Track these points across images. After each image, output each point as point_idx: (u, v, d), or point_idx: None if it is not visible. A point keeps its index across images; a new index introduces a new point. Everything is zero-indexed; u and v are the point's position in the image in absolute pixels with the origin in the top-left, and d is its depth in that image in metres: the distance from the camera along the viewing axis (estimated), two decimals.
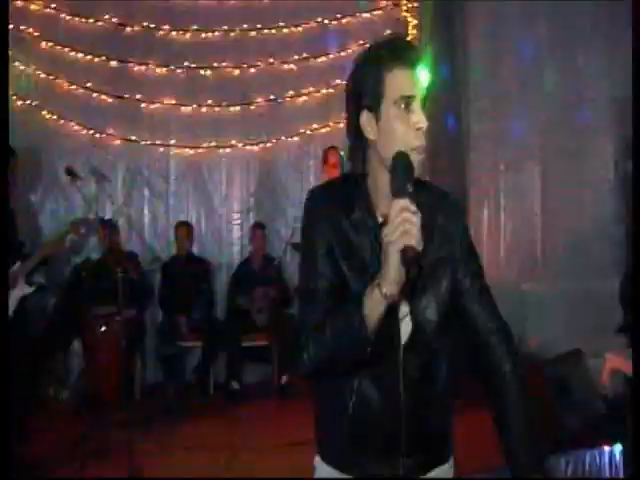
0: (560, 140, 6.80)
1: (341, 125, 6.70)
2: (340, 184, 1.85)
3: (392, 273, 1.52)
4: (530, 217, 6.99)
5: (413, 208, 1.51)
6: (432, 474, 1.84)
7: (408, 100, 1.65)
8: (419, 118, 1.65)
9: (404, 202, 1.51)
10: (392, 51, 1.68)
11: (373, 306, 1.56)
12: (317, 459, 1.89)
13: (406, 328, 1.73)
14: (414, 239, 1.48)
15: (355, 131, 1.73)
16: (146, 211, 7.01)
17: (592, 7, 6.73)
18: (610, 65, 6.68)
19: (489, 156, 7.05)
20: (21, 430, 4.67)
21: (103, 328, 5.83)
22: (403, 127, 1.65)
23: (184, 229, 6.63)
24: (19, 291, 4.60)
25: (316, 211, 1.77)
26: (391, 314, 1.64)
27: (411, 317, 1.73)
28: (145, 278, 6.49)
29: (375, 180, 1.74)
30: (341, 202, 1.74)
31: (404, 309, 1.72)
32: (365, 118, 1.70)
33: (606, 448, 3.92)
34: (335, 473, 1.84)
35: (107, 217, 6.15)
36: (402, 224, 1.48)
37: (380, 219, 1.71)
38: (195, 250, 6.82)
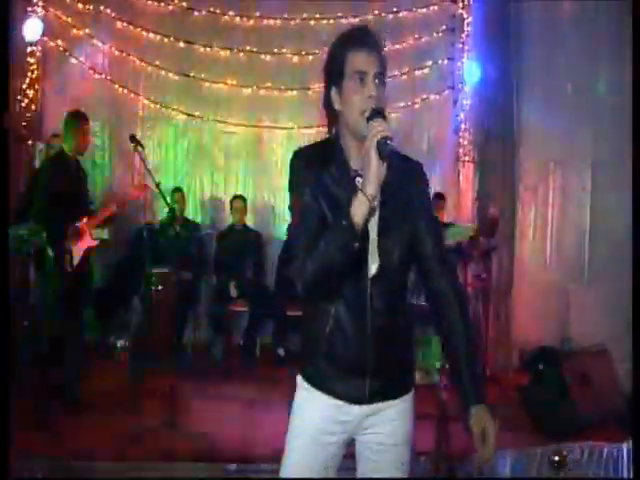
0: (611, 141, 6.82)
1: (393, 115, 7.06)
2: (319, 146, 2.18)
3: (372, 169, 1.89)
4: (578, 217, 7.04)
5: (385, 124, 1.92)
6: (396, 402, 2.16)
7: (362, 75, 2.02)
8: (370, 88, 2.02)
9: (377, 121, 1.93)
10: (350, 37, 2.09)
11: (358, 207, 1.90)
12: (299, 377, 2.20)
13: (373, 262, 2.07)
14: (387, 133, 1.89)
15: (327, 103, 2.12)
16: (206, 183, 7.47)
17: None
18: None
19: (539, 154, 7.12)
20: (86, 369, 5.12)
21: (160, 287, 6.24)
22: (358, 97, 2.03)
23: (240, 202, 7.05)
24: (84, 243, 4.99)
25: (301, 166, 2.11)
26: (361, 243, 1.95)
27: (378, 252, 2.07)
28: (202, 245, 6.93)
29: (345, 143, 2.11)
30: (320, 160, 2.09)
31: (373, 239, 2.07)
32: (333, 92, 2.09)
33: (624, 444, 4.13)
34: (311, 390, 2.15)
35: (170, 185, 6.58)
36: (376, 128, 1.89)
37: (352, 174, 2.08)
38: (249, 222, 7.23)
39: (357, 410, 2.13)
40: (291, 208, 2.13)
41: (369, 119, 1.95)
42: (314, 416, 2.14)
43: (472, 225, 6.64)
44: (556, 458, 3.84)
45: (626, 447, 4.07)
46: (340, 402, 2.12)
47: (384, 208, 2.07)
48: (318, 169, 2.07)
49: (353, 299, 2.07)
